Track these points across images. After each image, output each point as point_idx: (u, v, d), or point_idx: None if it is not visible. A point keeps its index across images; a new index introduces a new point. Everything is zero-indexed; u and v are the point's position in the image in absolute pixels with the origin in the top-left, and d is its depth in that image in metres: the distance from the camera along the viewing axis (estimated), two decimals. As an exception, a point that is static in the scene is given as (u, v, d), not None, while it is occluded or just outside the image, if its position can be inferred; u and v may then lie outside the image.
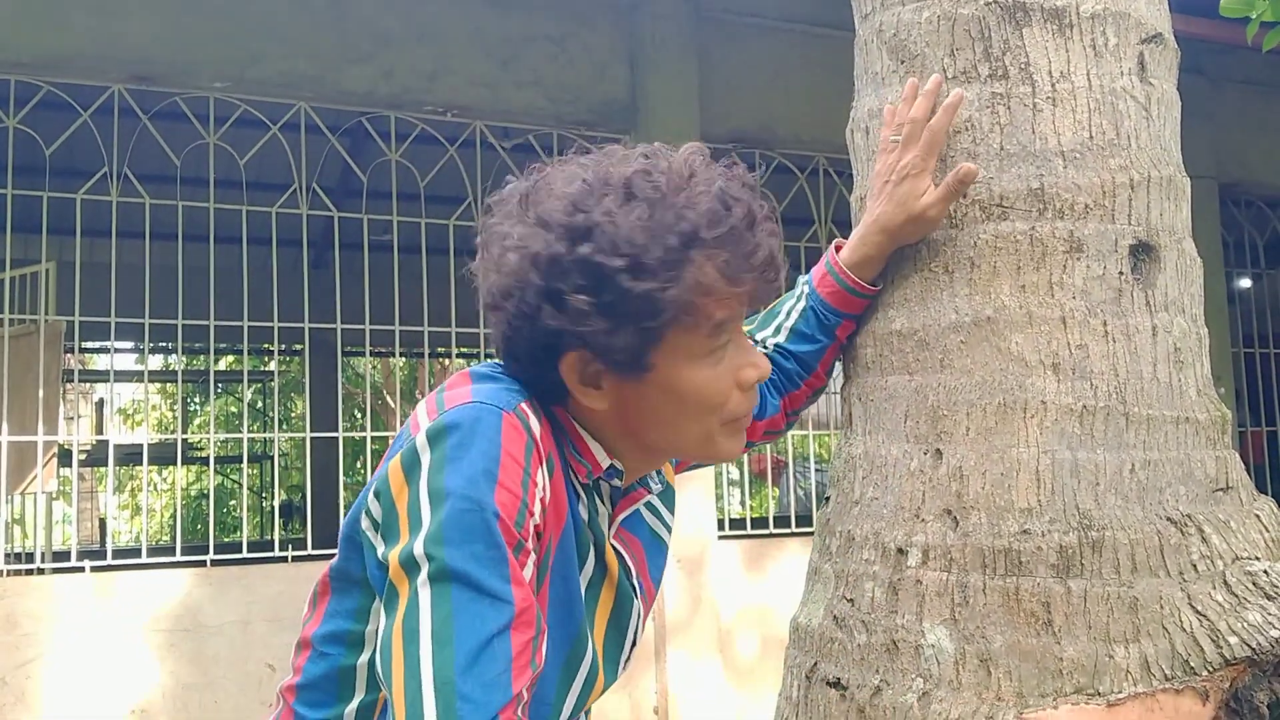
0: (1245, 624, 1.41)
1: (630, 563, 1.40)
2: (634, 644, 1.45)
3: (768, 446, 6.48)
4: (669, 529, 1.52)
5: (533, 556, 1.17)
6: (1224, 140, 7.00)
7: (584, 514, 1.32)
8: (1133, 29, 1.60)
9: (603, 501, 1.36)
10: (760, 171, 5.94)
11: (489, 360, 1.38)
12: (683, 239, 1.20)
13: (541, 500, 1.19)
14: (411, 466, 1.16)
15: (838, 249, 1.67)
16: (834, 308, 1.66)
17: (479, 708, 1.07)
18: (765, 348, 1.71)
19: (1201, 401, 1.56)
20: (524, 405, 1.22)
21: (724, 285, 1.22)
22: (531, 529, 1.17)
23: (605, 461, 1.32)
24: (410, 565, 1.12)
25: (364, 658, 1.30)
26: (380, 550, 1.18)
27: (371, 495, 1.20)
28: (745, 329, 1.74)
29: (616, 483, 1.35)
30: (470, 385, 1.25)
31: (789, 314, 1.71)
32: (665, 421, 1.29)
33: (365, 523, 1.22)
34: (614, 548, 1.38)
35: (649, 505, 1.48)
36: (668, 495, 1.53)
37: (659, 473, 1.47)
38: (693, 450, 1.35)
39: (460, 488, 1.13)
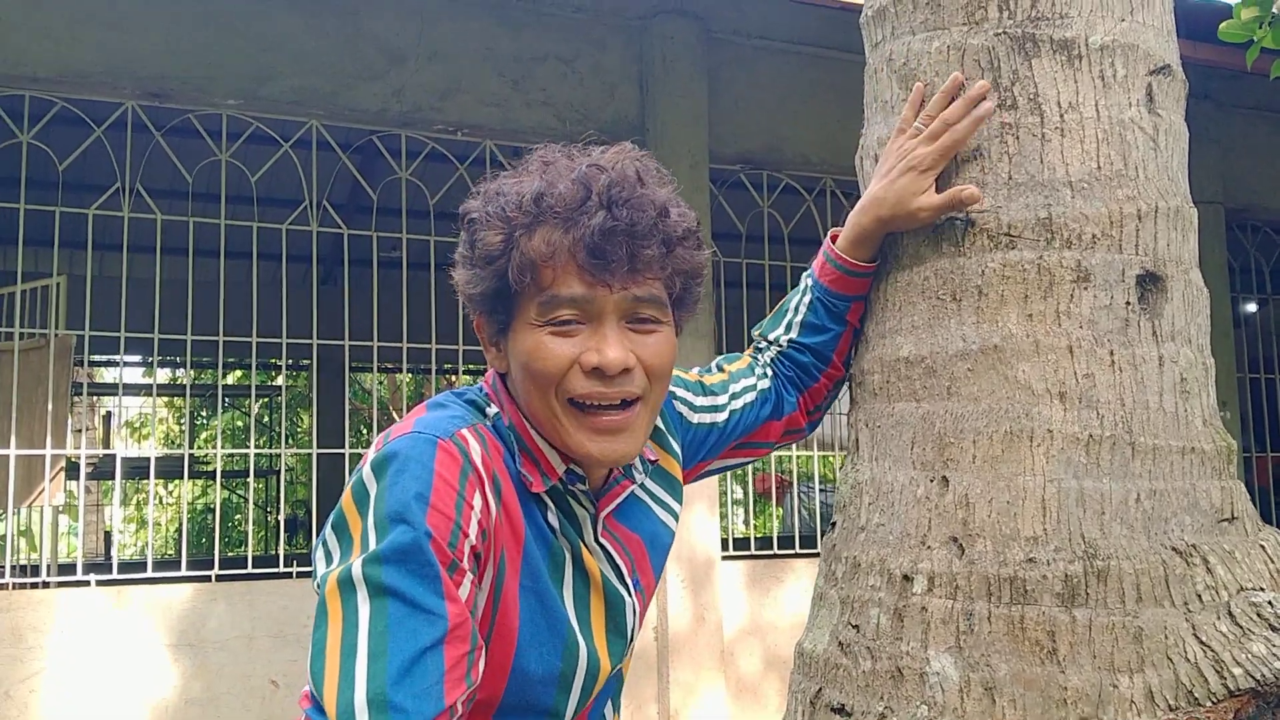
0: (1249, 655, 1.41)
1: (623, 561, 1.42)
2: (636, 630, 1.47)
3: (772, 466, 6.44)
4: (675, 516, 1.54)
5: (469, 576, 1.21)
6: (1231, 166, 7.01)
7: (554, 522, 1.35)
8: (1141, 60, 1.61)
9: (580, 504, 1.38)
10: (767, 192, 5.93)
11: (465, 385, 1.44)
12: (523, 203, 1.29)
13: (480, 523, 1.23)
14: (361, 497, 1.22)
15: (834, 239, 1.70)
16: (838, 292, 1.69)
17: (410, 716, 1.10)
18: (780, 346, 1.74)
19: (1207, 432, 1.57)
20: (464, 432, 1.27)
21: (551, 254, 1.27)
22: (467, 550, 1.21)
23: (561, 467, 1.35)
24: (347, 584, 1.16)
25: None
26: (323, 570, 1.22)
27: (330, 528, 1.25)
28: (757, 331, 1.76)
29: (581, 487, 1.37)
30: (418, 416, 1.31)
31: (797, 309, 1.74)
32: (523, 390, 1.33)
33: (320, 552, 1.26)
34: (602, 547, 1.40)
35: (653, 496, 1.50)
36: (670, 483, 1.55)
37: (640, 459, 1.47)
38: (549, 431, 1.33)
39: (395, 512, 1.18)
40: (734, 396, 1.68)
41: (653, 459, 1.49)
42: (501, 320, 1.34)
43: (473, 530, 1.22)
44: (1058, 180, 1.54)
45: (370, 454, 1.26)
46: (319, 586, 1.21)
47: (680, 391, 1.63)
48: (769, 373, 1.74)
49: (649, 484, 1.51)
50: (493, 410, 1.37)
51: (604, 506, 1.41)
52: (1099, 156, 1.55)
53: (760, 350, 1.78)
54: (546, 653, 1.32)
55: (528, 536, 1.31)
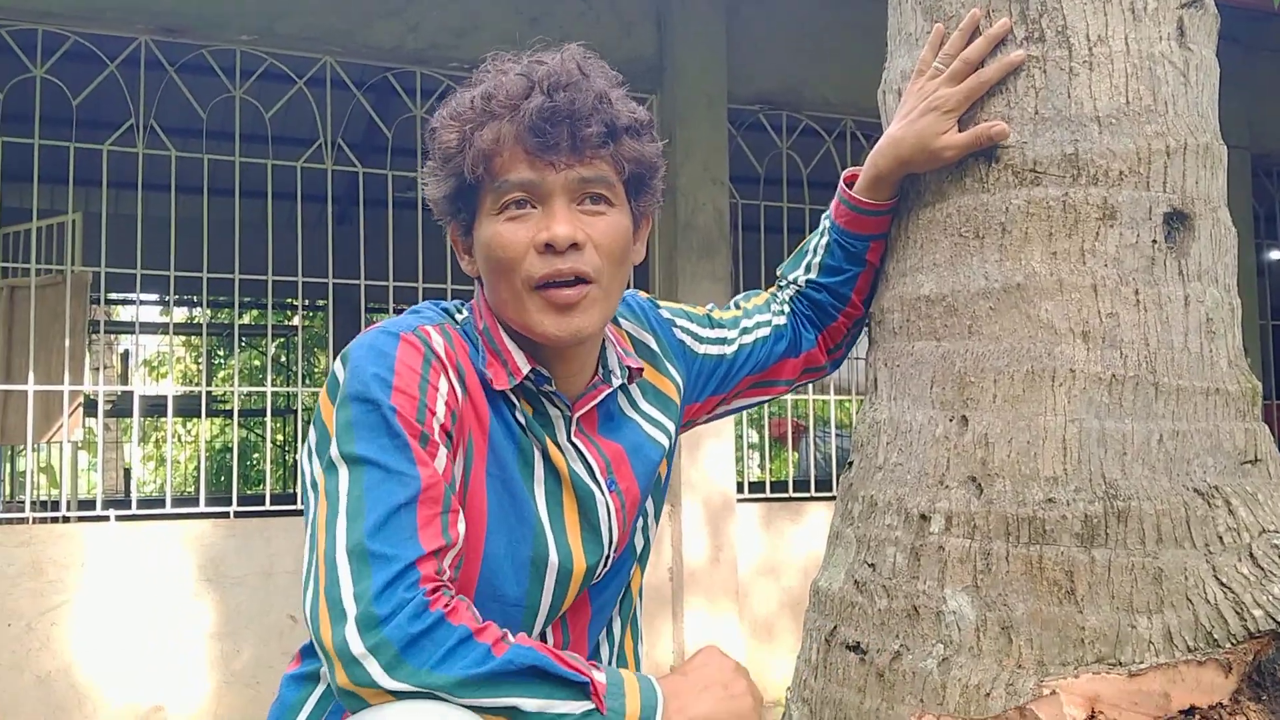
0: (1270, 597, 1.41)
1: (595, 461, 1.46)
2: (626, 537, 1.50)
3: (788, 410, 6.44)
4: (667, 434, 1.57)
5: (443, 449, 1.29)
6: (1258, 110, 6.87)
7: (521, 419, 1.41)
8: (1173, -8, 1.57)
9: (554, 404, 1.44)
10: (787, 134, 5.85)
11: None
12: (475, 102, 1.37)
13: (448, 404, 1.31)
14: (332, 388, 1.32)
15: (849, 181, 1.70)
16: (854, 233, 1.68)
17: (390, 561, 1.18)
18: (798, 285, 1.76)
19: (1232, 373, 1.55)
20: (426, 327, 1.36)
21: (500, 143, 1.35)
22: (436, 427, 1.29)
23: (525, 367, 1.40)
24: (329, 467, 1.26)
25: None
26: (312, 467, 1.30)
27: (311, 429, 1.34)
28: (779, 271, 1.76)
29: (548, 388, 1.42)
30: (385, 319, 1.39)
31: (815, 251, 1.74)
32: (488, 282, 1.42)
33: (303, 453, 1.34)
34: (574, 446, 1.44)
35: (643, 414, 1.55)
36: (665, 403, 1.58)
37: (622, 366, 1.51)
38: (515, 318, 1.40)
39: (359, 392, 1.28)
40: (744, 331, 1.70)
41: (636, 366, 1.53)
42: (465, 220, 1.43)
43: (440, 409, 1.30)
44: (1085, 115, 1.51)
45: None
46: (306, 478, 1.31)
47: (683, 322, 1.67)
48: (786, 310, 1.74)
49: (641, 403, 1.55)
50: (462, 316, 1.45)
51: (579, 408, 1.46)
52: (1128, 91, 1.52)
53: (780, 289, 1.79)
54: (515, 538, 1.37)
55: (492, 426, 1.38)
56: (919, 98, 1.58)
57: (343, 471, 1.24)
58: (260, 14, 5.12)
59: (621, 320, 1.59)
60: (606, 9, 5.72)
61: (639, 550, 1.56)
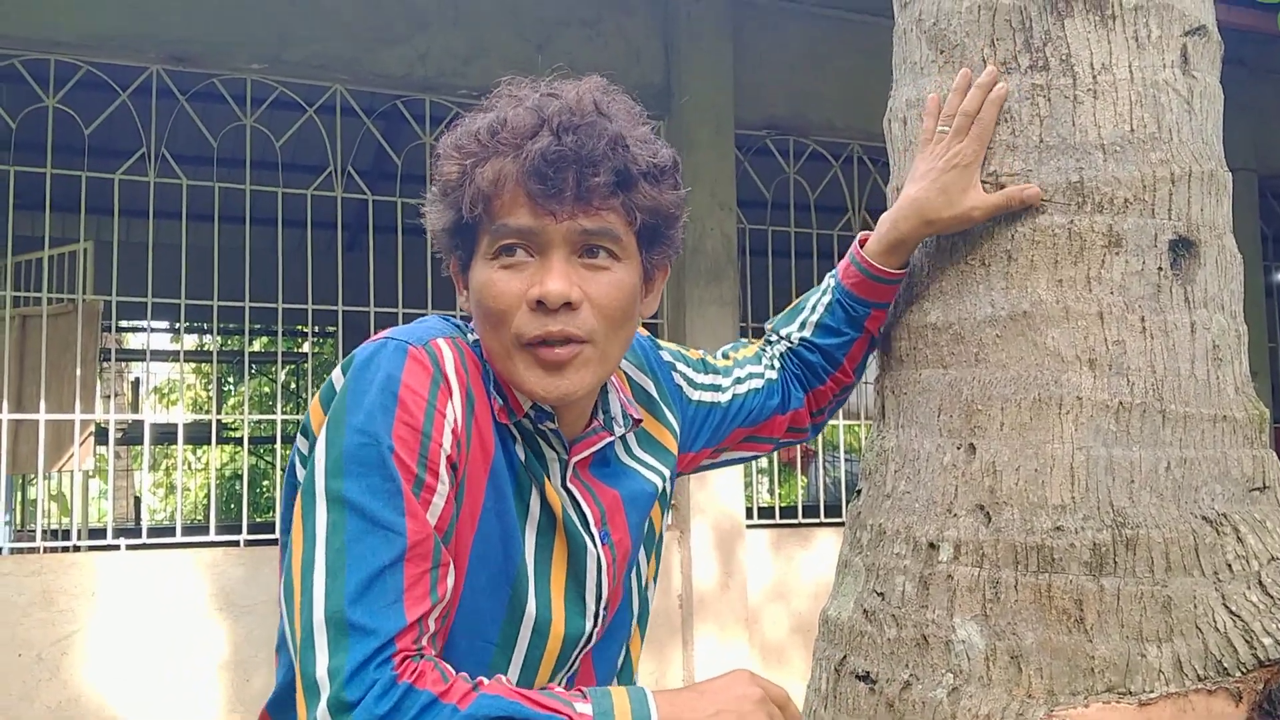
0: (1280, 625, 1.40)
1: (590, 509, 1.37)
2: (619, 593, 1.42)
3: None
4: (662, 478, 1.50)
5: (444, 486, 1.20)
6: (1264, 132, 6.89)
7: (520, 454, 1.32)
8: (1176, 20, 1.57)
9: (550, 445, 1.35)
10: (794, 158, 5.86)
11: None
12: (479, 134, 1.27)
13: (454, 431, 1.22)
14: (327, 400, 1.22)
15: (862, 243, 1.65)
16: (860, 297, 1.64)
17: (368, 636, 1.10)
18: (790, 342, 1.70)
19: (1239, 400, 1.54)
20: (439, 341, 1.26)
21: (501, 184, 1.25)
22: (441, 458, 1.19)
23: (527, 403, 1.31)
24: (309, 496, 1.17)
25: None
26: (298, 480, 1.22)
27: (300, 435, 1.26)
28: (769, 325, 1.73)
29: (551, 425, 1.33)
30: (399, 326, 1.30)
31: (814, 309, 1.70)
32: (479, 329, 1.31)
33: (296, 458, 1.26)
34: (569, 492, 1.36)
35: (640, 461, 1.47)
36: (660, 452, 1.50)
37: (625, 414, 1.44)
38: (503, 372, 1.30)
39: (359, 423, 1.17)
40: (738, 381, 1.64)
41: (637, 417, 1.45)
42: (463, 258, 1.33)
43: (446, 439, 1.20)
44: (1090, 143, 1.52)
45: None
46: (293, 488, 1.24)
47: (681, 366, 1.59)
48: (776, 365, 1.69)
49: (637, 451, 1.48)
50: (473, 336, 1.34)
51: (576, 453, 1.37)
52: (1132, 119, 1.53)
53: (770, 343, 1.73)
54: (495, 572, 1.28)
55: (497, 454, 1.29)
56: (933, 160, 1.55)
57: (326, 509, 1.16)
58: (269, 42, 5.17)
59: (621, 361, 1.47)
60: (614, 35, 5.76)
61: (636, 611, 1.48)
